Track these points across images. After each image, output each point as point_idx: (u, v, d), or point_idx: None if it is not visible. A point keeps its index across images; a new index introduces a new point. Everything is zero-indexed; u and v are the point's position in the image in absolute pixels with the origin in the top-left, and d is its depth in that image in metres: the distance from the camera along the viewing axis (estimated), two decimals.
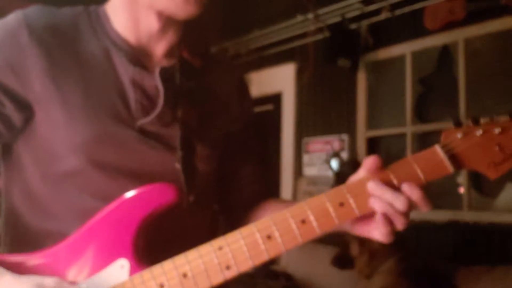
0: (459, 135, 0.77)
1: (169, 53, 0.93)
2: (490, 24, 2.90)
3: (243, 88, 1.08)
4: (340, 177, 3.36)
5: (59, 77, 0.85)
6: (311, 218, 0.77)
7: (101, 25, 0.91)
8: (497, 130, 0.76)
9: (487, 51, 3.10)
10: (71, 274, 0.80)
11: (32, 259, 0.82)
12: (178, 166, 0.87)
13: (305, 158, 3.77)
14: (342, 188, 0.78)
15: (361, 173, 0.79)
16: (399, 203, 0.74)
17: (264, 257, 0.77)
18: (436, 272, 2.68)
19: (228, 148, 1.00)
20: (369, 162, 0.78)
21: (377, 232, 0.77)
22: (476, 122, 0.77)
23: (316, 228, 0.77)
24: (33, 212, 0.89)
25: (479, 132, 0.76)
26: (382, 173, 0.77)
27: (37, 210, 0.88)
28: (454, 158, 0.76)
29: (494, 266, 2.52)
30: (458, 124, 0.78)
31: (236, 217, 1.03)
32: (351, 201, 0.77)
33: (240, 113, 1.03)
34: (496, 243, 2.75)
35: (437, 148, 0.77)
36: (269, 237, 0.77)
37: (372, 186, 0.76)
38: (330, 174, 3.48)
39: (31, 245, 0.86)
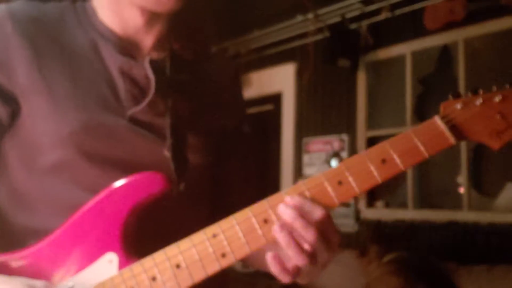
0: (458, 106, 0.75)
1: (158, 46, 0.92)
2: (490, 24, 2.90)
3: (237, 84, 1.07)
4: None
5: (44, 67, 0.83)
6: (307, 193, 0.74)
7: (87, 17, 0.90)
8: (497, 99, 0.74)
9: (487, 51, 3.10)
10: (57, 272, 0.77)
11: (16, 259, 0.78)
12: (167, 153, 0.85)
13: (305, 158, 3.77)
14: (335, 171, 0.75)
15: None
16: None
17: (262, 242, 0.74)
18: (436, 272, 2.67)
19: (224, 146, 0.97)
20: None
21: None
22: (475, 92, 0.75)
23: None
24: (18, 210, 0.86)
25: (479, 101, 0.74)
26: (380, 147, 0.74)
27: (22, 209, 0.85)
28: (455, 129, 0.74)
29: (494, 266, 2.52)
30: (457, 95, 0.76)
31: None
32: (351, 179, 0.74)
33: (234, 108, 1.01)
34: (496, 243, 2.74)
35: (437, 120, 0.75)
36: (266, 221, 0.74)
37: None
38: None
39: (17, 244, 0.82)
